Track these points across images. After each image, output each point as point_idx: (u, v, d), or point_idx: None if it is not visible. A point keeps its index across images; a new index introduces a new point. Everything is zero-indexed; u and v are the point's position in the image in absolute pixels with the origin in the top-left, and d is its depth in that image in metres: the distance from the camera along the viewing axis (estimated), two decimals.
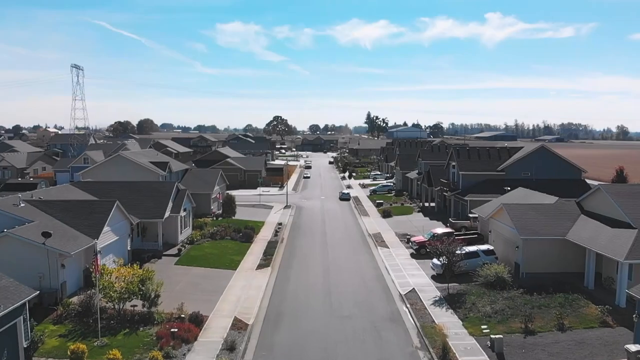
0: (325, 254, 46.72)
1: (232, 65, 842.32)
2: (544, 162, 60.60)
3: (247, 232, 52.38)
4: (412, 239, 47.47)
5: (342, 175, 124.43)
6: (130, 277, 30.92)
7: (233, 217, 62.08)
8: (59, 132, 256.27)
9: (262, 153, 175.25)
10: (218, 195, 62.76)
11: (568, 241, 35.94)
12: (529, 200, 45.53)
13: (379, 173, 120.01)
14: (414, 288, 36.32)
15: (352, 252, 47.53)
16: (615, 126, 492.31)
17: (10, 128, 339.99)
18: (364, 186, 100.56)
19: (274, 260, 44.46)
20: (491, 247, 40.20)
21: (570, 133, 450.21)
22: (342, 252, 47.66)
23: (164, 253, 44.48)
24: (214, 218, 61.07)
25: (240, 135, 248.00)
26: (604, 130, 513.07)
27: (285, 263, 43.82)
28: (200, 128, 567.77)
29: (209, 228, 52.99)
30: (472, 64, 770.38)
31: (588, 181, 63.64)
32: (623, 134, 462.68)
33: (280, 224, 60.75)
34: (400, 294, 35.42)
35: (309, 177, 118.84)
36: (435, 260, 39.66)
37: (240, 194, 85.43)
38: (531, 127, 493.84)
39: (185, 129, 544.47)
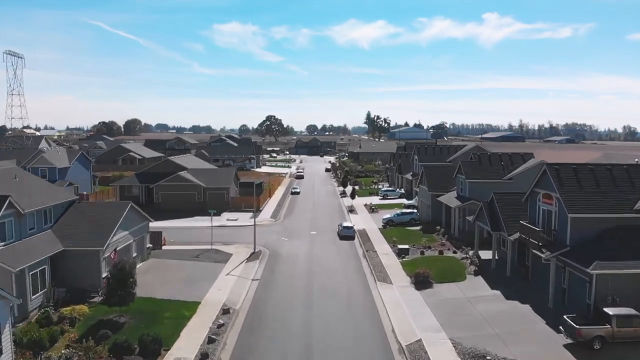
0: None
1: (230, 66, 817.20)
2: None
3: (144, 350, 24.11)
4: None
5: (341, 189, 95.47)
6: None
7: (132, 301, 30.14)
8: (37, 134, 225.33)
9: (244, 159, 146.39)
10: (112, 255, 33.94)
11: None
12: None
13: (391, 188, 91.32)
14: None
15: None
16: (620, 126, 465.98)
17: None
18: (372, 209, 71.99)
19: None
20: None
21: (577, 133, 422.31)
22: None
23: None
24: (101, 303, 31.63)
25: (224, 137, 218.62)
26: (608, 130, 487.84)
27: None
28: (195, 128, 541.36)
29: (62, 343, 24.56)
30: (470, 65, 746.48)
31: None
32: (631, 134, 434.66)
33: (226, 309, 32.20)
34: None
35: (298, 193, 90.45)
36: None
37: (189, 226, 57.31)
38: (536, 128, 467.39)
39: (180, 130, 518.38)
